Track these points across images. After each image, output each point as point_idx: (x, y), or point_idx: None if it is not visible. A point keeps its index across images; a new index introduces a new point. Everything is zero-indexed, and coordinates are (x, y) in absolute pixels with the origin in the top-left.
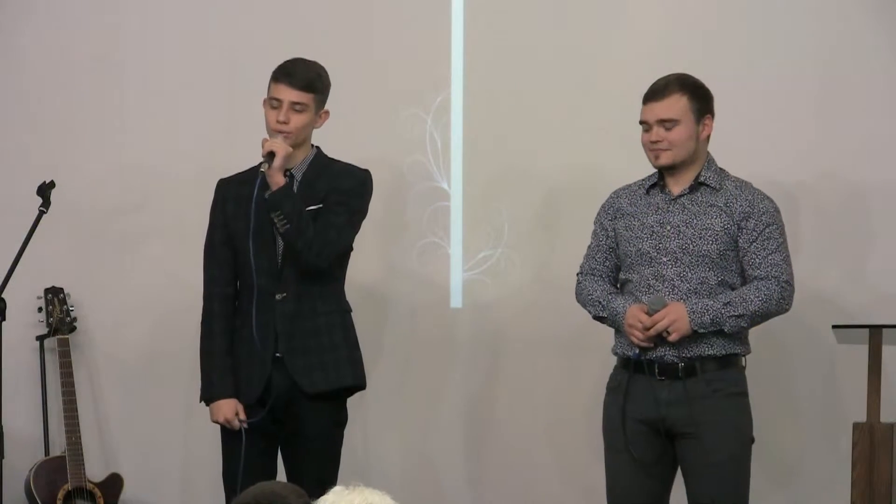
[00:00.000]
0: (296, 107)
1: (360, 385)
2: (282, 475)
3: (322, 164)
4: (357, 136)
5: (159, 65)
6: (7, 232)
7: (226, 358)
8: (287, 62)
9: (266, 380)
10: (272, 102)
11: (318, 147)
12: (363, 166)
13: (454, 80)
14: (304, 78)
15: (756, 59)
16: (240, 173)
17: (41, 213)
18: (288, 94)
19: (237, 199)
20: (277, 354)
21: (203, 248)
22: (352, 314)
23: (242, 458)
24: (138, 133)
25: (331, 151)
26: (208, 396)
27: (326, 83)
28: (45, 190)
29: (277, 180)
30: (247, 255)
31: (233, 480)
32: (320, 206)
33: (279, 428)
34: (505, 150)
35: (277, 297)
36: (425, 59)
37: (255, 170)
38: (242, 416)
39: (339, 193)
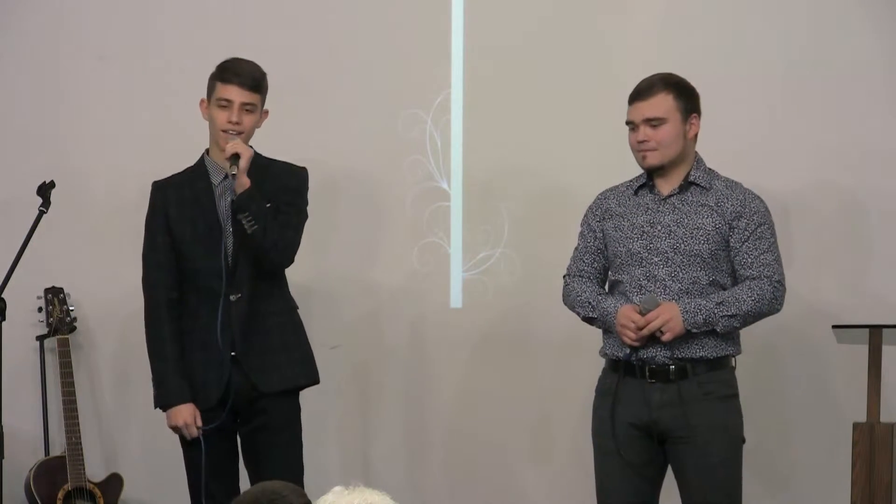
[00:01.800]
0: (246, 107)
1: (312, 382)
2: (243, 473)
3: (261, 164)
4: (357, 136)
5: (159, 65)
6: (7, 232)
7: (178, 363)
8: (230, 62)
9: (226, 381)
10: (220, 103)
11: (252, 147)
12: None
13: (454, 80)
14: (252, 78)
15: (752, 63)
16: (174, 175)
17: (41, 213)
18: (239, 95)
19: (179, 202)
20: (233, 354)
21: (141, 253)
22: (299, 310)
23: (204, 463)
24: (138, 133)
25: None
26: (163, 403)
27: (267, 83)
28: (45, 190)
29: (242, 182)
30: (197, 258)
31: (197, 484)
32: (269, 204)
33: (241, 426)
34: (505, 151)
35: (232, 297)
36: (425, 59)
37: (189, 171)
38: (199, 422)
39: (287, 193)
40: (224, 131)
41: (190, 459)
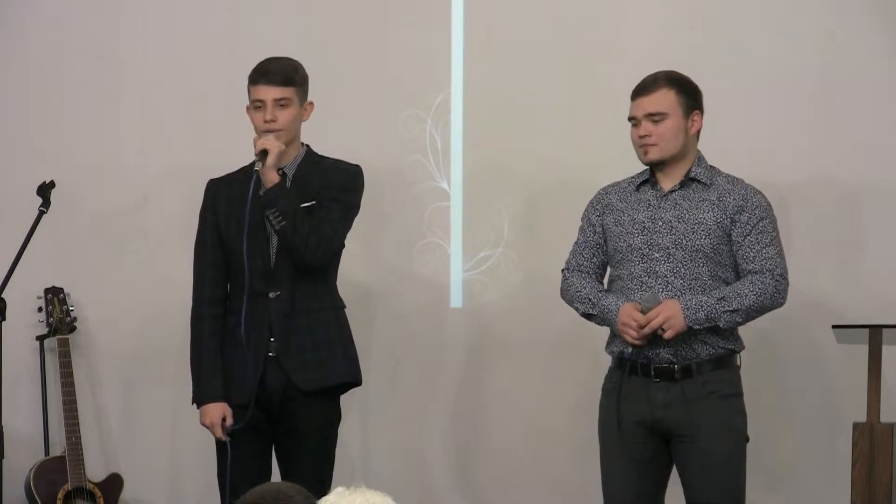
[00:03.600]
0: (280, 103)
1: (355, 381)
2: (276, 474)
3: (313, 160)
4: (357, 136)
5: (159, 65)
6: (7, 232)
7: (215, 360)
8: (260, 63)
9: (260, 378)
10: (256, 104)
11: (307, 145)
12: (363, 166)
13: (454, 80)
14: (280, 73)
15: (752, 60)
16: (229, 174)
17: (41, 213)
18: (269, 93)
19: (228, 199)
20: (271, 354)
21: (192, 249)
22: (345, 310)
23: (230, 460)
24: (138, 133)
25: (330, 151)
26: (197, 400)
27: (304, 75)
28: (45, 190)
29: (271, 178)
30: (240, 255)
31: (226, 481)
32: (314, 202)
33: (273, 426)
34: (505, 150)
35: (271, 295)
36: (425, 59)
37: (244, 170)
38: (230, 420)
39: (332, 189)
40: (264, 131)
41: (221, 453)
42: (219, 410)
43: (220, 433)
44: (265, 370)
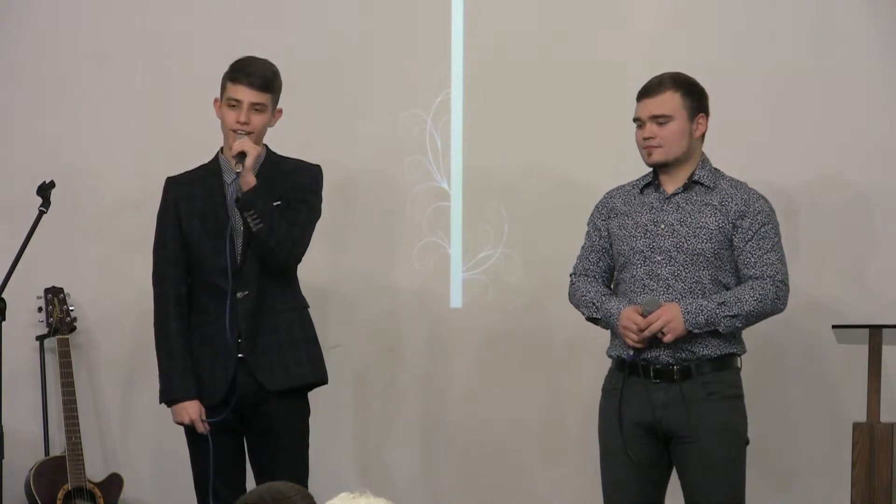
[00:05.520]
0: (256, 107)
1: (320, 381)
2: (249, 474)
3: (273, 161)
4: (357, 136)
5: (159, 65)
6: (7, 232)
7: (185, 359)
8: (241, 61)
9: (231, 379)
10: (230, 103)
11: (266, 145)
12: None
13: (454, 80)
14: (262, 77)
15: (756, 60)
16: (188, 172)
17: (41, 213)
18: (248, 95)
19: (189, 198)
20: (240, 355)
21: (152, 248)
22: (309, 310)
23: (212, 460)
24: (138, 133)
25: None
26: (169, 398)
27: (280, 82)
28: (45, 190)
29: (249, 180)
30: (203, 254)
31: (204, 482)
32: (279, 203)
33: (246, 427)
34: (505, 151)
35: (239, 295)
36: (425, 59)
37: (204, 168)
38: (204, 417)
39: (297, 191)
40: (233, 131)
41: (196, 457)
42: (195, 407)
43: (202, 428)
44: (236, 372)
